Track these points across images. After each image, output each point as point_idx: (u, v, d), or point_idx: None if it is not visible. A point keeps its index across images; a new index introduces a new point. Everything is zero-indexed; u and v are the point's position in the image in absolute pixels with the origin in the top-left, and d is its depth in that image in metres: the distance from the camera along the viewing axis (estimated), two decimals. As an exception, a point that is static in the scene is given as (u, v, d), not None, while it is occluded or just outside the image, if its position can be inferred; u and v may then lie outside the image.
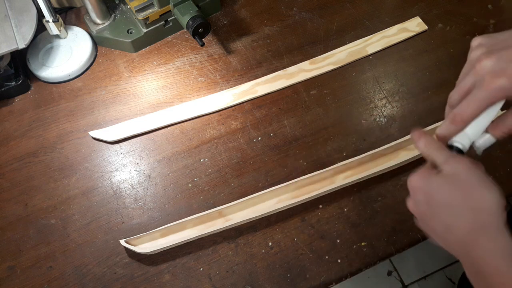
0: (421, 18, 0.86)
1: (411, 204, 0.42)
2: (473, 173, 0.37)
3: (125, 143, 0.75)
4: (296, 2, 0.91)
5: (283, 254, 0.64)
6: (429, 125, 0.72)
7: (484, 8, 0.87)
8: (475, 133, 0.41)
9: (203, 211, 0.67)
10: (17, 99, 0.80)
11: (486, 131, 0.42)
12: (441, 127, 0.43)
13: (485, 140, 0.43)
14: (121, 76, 0.82)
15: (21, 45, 0.73)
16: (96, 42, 0.86)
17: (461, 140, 0.42)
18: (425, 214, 0.39)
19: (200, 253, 0.64)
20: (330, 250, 0.64)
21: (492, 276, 0.33)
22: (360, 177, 0.69)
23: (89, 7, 0.81)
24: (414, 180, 0.41)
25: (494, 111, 0.40)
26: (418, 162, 0.70)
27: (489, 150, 0.44)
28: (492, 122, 0.42)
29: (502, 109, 0.41)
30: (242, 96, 0.78)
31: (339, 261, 0.63)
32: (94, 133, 0.75)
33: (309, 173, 0.69)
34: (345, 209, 0.67)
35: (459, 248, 0.36)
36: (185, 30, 0.82)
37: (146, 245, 0.64)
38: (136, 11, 0.80)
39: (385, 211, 0.66)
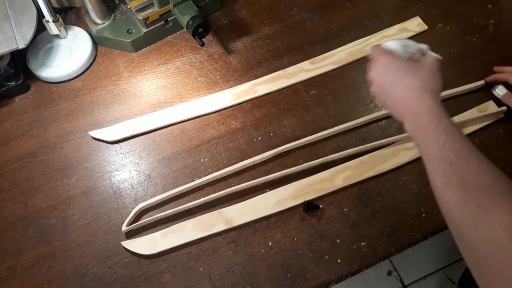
0: (421, 18, 0.86)
1: (373, 74, 0.53)
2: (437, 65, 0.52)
3: (125, 143, 0.75)
4: (296, 2, 0.91)
5: (283, 254, 0.64)
6: (429, 125, 0.72)
7: (484, 8, 0.87)
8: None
9: (203, 211, 0.67)
10: (17, 99, 0.80)
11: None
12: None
13: (498, 94, 0.76)
14: (121, 76, 0.82)
15: (21, 45, 0.73)
16: (96, 42, 0.86)
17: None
18: (390, 80, 0.50)
19: (200, 253, 0.64)
20: (330, 250, 0.64)
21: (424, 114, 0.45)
22: (360, 177, 0.69)
23: (89, 7, 0.81)
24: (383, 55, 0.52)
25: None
26: (417, 162, 0.70)
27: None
28: (507, 92, 0.74)
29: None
30: (242, 96, 0.78)
31: (339, 261, 0.63)
32: (94, 133, 0.75)
33: (309, 173, 0.69)
34: (345, 209, 0.67)
35: (409, 103, 0.47)
36: (185, 30, 0.82)
37: (146, 246, 0.64)
38: (136, 11, 0.80)
39: (385, 211, 0.66)
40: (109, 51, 0.86)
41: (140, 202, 0.68)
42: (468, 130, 0.72)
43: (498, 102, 0.75)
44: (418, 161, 0.70)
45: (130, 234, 0.66)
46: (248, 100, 0.78)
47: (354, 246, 0.64)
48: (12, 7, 0.77)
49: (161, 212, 0.66)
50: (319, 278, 0.62)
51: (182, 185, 0.69)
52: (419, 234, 0.64)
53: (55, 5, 0.89)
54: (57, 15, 0.80)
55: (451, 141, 0.41)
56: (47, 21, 0.79)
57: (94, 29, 0.84)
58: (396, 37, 0.54)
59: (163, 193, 0.68)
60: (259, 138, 0.74)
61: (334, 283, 0.62)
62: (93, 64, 0.84)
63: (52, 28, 0.80)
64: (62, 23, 0.82)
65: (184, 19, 0.77)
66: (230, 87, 0.80)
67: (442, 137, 0.42)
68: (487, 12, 0.87)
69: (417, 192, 0.68)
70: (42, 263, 0.64)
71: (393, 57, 0.51)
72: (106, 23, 0.85)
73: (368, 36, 0.84)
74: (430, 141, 0.43)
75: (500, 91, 0.75)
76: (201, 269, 0.63)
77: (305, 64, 0.81)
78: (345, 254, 0.63)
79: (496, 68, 0.78)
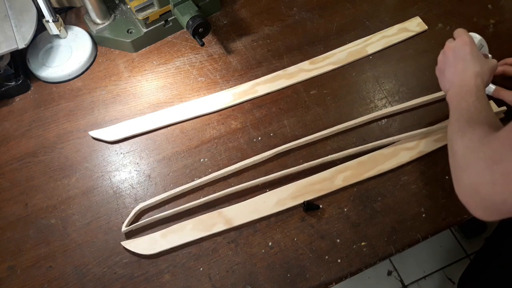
0: (421, 18, 0.86)
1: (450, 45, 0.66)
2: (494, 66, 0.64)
3: (125, 143, 0.75)
4: (296, 2, 0.91)
5: (283, 254, 0.64)
6: (429, 125, 0.72)
7: (484, 8, 0.87)
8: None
9: (203, 211, 0.67)
10: (17, 99, 0.80)
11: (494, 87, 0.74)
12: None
13: (488, 91, 0.74)
14: (121, 76, 0.82)
15: (21, 45, 0.73)
16: (96, 42, 0.86)
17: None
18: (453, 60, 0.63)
19: (200, 253, 0.64)
20: (330, 250, 0.64)
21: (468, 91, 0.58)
22: (360, 177, 0.69)
23: (89, 7, 0.81)
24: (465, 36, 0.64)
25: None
26: (417, 162, 0.70)
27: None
28: (496, 87, 0.74)
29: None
30: (242, 96, 0.78)
31: (339, 261, 0.63)
32: (94, 133, 0.75)
33: (309, 173, 0.69)
34: (345, 209, 0.67)
35: (464, 76, 0.59)
36: (185, 30, 0.82)
37: (146, 246, 0.64)
38: (136, 11, 0.80)
39: (385, 211, 0.66)
40: (109, 51, 0.86)
41: (140, 202, 0.68)
42: (468, 130, 0.72)
43: (498, 102, 0.75)
44: (418, 161, 0.70)
45: (130, 234, 0.66)
46: (248, 100, 0.78)
47: (354, 246, 0.64)
48: (12, 7, 0.77)
49: (161, 212, 0.66)
50: (319, 278, 0.62)
51: (182, 185, 0.69)
52: (419, 234, 0.64)
53: (55, 5, 0.89)
54: (57, 15, 0.80)
55: (477, 102, 0.55)
56: (47, 21, 0.79)
57: (94, 29, 0.84)
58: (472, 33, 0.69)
59: (163, 193, 0.68)
60: (259, 138, 0.74)
61: (334, 283, 0.62)
62: (93, 64, 0.84)
63: (52, 28, 0.80)
64: (62, 23, 0.82)
65: (184, 19, 0.77)
66: (230, 87, 0.80)
67: (472, 98, 0.56)
68: (487, 12, 0.87)
69: (417, 192, 0.68)
70: (42, 263, 0.64)
71: (473, 43, 0.63)
72: (106, 23, 0.85)
73: (368, 36, 0.84)
74: (463, 99, 0.57)
75: (488, 88, 0.74)
76: (201, 269, 0.63)
77: (305, 64, 0.81)
78: (345, 254, 0.63)
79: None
